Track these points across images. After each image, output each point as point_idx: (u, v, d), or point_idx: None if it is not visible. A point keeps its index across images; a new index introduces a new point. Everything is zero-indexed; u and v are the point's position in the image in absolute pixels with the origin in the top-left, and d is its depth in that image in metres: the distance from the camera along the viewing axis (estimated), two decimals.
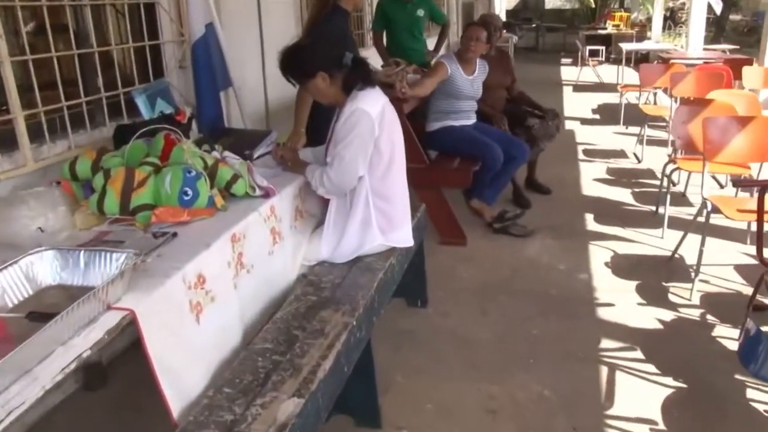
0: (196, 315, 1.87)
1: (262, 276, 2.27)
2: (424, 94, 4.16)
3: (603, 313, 3.31)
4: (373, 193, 2.51)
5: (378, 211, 2.54)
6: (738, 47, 11.18)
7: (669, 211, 4.35)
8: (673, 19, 18.51)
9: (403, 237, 2.66)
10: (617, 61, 13.27)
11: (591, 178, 5.65)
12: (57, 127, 2.71)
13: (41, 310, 1.64)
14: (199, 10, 3.35)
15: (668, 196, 4.28)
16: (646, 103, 7.66)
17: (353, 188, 2.50)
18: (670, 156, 5.15)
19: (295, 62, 2.47)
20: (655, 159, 6.10)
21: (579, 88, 11.45)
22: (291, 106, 3.27)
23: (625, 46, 10.95)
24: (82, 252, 1.75)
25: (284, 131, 3.40)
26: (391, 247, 2.64)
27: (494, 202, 4.44)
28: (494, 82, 4.71)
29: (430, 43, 6.06)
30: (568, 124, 8.12)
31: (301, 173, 2.62)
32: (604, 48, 14.57)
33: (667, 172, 4.41)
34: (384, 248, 2.62)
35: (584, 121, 8.40)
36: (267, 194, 2.35)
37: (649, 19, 16.19)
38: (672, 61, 7.56)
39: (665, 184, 4.45)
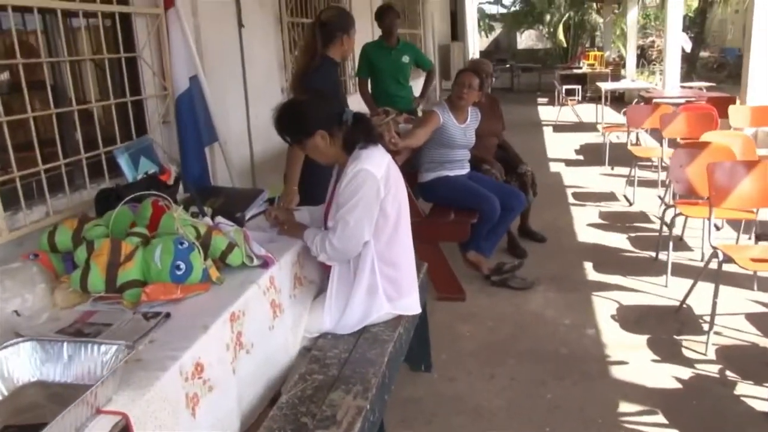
0: (192, 409, 1.66)
1: (262, 354, 2.06)
2: (417, 145, 4.02)
3: (617, 372, 3.13)
4: (379, 258, 2.33)
5: (384, 278, 2.35)
6: (713, 84, 11.31)
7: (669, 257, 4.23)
8: (645, 57, 18.84)
9: (411, 304, 2.48)
10: (593, 100, 13.43)
11: (585, 224, 5.52)
12: (33, 192, 2.50)
13: (19, 411, 1.44)
14: (183, 62, 3.20)
15: (671, 243, 4.15)
16: (633, 144, 7.60)
17: (357, 254, 2.32)
18: (661, 198, 5.07)
19: (291, 120, 2.31)
20: (646, 201, 6.02)
21: (559, 128, 11.45)
22: (276, 157, 3.11)
23: (604, 86, 11.01)
24: (65, 344, 1.54)
25: (271, 185, 3.22)
26: (398, 314, 2.45)
27: (491, 254, 4.29)
28: (486, 130, 4.59)
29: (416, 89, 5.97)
30: (553, 167, 8.06)
31: (299, 237, 2.44)
32: (579, 87, 14.70)
33: (667, 218, 4.29)
34: (390, 316, 2.43)
35: (569, 163, 8.33)
36: (266, 264, 2.16)
37: (622, 57, 16.43)
38: (655, 100, 7.57)
39: (665, 230, 4.34)
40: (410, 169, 4.29)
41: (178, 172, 2.87)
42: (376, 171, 2.22)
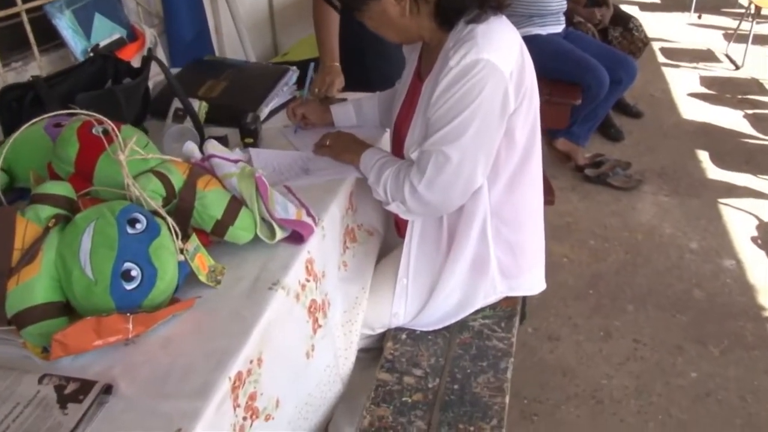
0: None
1: (295, 405, 1.15)
2: None
3: None
4: (494, 214, 1.34)
5: (501, 245, 1.38)
6: None
7: None
8: None
9: (535, 280, 1.51)
10: None
11: (685, 93, 4.39)
12: None
13: None
14: None
15: None
16: None
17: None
18: None
19: None
20: (756, 64, 4.82)
21: None
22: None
23: None
24: None
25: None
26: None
27: (587, 142, 3.26)
28: None
29: None
30: (626, 10, 6.69)
31: (352, 163, 1.44)
32: None
33: None
34: (501, 297, 1.49)
35: (644, 6, 6.95)
36: (298, 236, 1.18)
37: None
38: None
39: None
40: None
41: (153, 40, 1.82)
42: (504, 64, 1.18)
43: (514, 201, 1.36)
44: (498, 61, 1.16)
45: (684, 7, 6.57)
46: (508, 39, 1.21)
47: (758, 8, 4.77)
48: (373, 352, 1.50)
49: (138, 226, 0.97)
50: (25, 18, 1.69)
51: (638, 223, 2.90)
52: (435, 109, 1.21)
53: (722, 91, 4.41)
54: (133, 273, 0.95)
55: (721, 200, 3.07)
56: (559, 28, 3.10)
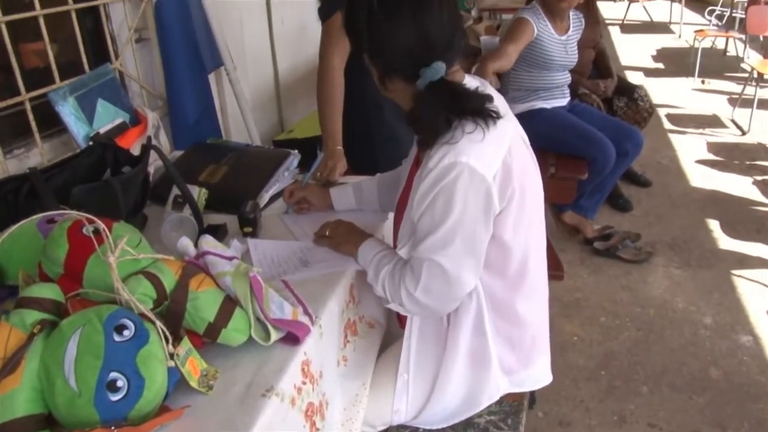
0: None
1: None
2: (508, 67, 2.88)
3: None
4: (494, 310, 1.30)
5: (502, 342, 1.34)
6: None
7: None
8: None
9: (540, 373, 1.45)
10: None
11: (693, 160, 4.38)
12: None
13: None
14: None
15: None
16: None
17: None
18: None
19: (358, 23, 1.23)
20: (764, 129, 4.82)
21: (627, 28, 9.94)
22: (310, 74, 2.03)
23: None
24: None
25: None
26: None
27: (595, 215, 3.23)
28: (583, 39, 3.41)
29: None
30: (631, 76, 6.77)
31: (351, 255, 1.41)
32: None
33: None
34: (504, 392, 1.43)
35: (648, 72, 7.04)
36: (293, 337, 1.14)
37: None
38: None
39: None
40: None
41: (157, 122, 1.82)
42: (485, 168, 1.15)
43: (516, 302, 1.31)
44: (477, 165, 1.14)
45: (688, 72, 6.64)
46: (492, 143, 1.18)
47: (761, 74, 4.80)
48: None
49: (126, 333, 0.94)
50: (28, 107, 1.70)
51: (650, 298, 2.84)
52: (418, 214, 1.20)
53: (730, 158, 4.40)
54: (119, 383, 0.91)
55: (734, 272, 3.01)
56: (564, 101, 3.11)
